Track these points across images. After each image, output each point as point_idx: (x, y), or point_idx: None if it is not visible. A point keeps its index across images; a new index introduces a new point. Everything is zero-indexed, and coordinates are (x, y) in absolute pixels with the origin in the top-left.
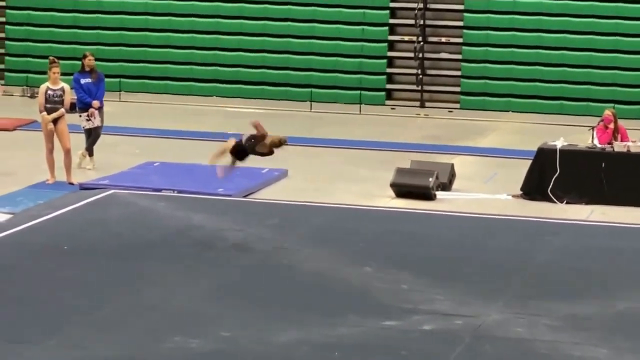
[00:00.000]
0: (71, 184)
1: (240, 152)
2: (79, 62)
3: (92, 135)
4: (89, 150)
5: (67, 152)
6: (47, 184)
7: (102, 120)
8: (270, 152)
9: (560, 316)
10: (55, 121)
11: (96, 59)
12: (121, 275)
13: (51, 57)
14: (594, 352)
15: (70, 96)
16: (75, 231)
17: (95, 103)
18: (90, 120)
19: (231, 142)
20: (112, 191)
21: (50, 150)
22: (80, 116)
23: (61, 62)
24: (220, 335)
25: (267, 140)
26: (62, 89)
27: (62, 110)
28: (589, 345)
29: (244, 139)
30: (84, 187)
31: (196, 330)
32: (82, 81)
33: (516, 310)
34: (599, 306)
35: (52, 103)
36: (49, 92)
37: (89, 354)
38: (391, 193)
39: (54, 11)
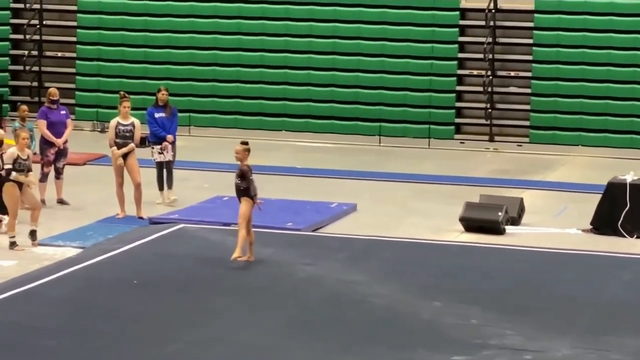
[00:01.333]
0: (141, 218)
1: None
2: (150, 97)
3: (165, 170)
4: (169, 184)
5: (138, 186)
6: (117, 219)
7: (174, 155)
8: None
9: (630, 351)
10: (125, 156)
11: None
12: (189, 310)
13: (122, 92)
14: None
15: (140, 131)
16: (145, 265)
17: (170, 137)
18: (162, 153)
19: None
20: (182, 225)
21: (120, 185)
22: (153, 149)
23: (131, 96)
24: None
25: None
26: (133, 124)
27: (132, 145)
28: None
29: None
30: (153, 222)
31: None
32: (156, 115)
33: (586, 345)
34: None
35: (122, 138)
36: (120, 127)
37: None
38: (460, 227)
39: (125, 46)
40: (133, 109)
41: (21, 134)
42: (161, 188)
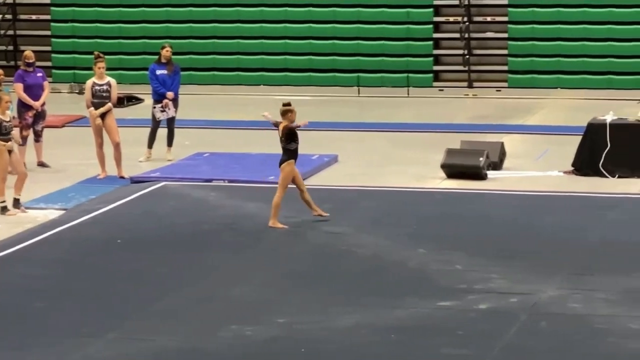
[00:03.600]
0: (122, 177)
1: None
2: (125, 57)
3: (167, 128)
4: (169, 142)
5: (117, 146)
6: (98, 179)
7: (175, 112)
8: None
9: (617, 290)
10: (103, 116)
11: (143, 53)
12: (177, 267)
13: (96, 52)
14: None
15: (116, 90)
16: (129, 224)
17: (170, 94)
18: (165, 111)
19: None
20: (164, 183)
21: (100, 145)
22: (155, 107)
23: (107, 57)
24: (277, 322)
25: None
26: (109, 84)
27: (110, 104)
28: None
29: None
30: (135, 181)
31: (253, 318)
32: (158, 72)
33: (572, 286)
34: None
35: (99, 98)
36: (95, 87)
37: (150, 345)
38: (442, 174)
39: (99, 7)
40: (109, 69)
41: (4, 97)
42: (150, 146)
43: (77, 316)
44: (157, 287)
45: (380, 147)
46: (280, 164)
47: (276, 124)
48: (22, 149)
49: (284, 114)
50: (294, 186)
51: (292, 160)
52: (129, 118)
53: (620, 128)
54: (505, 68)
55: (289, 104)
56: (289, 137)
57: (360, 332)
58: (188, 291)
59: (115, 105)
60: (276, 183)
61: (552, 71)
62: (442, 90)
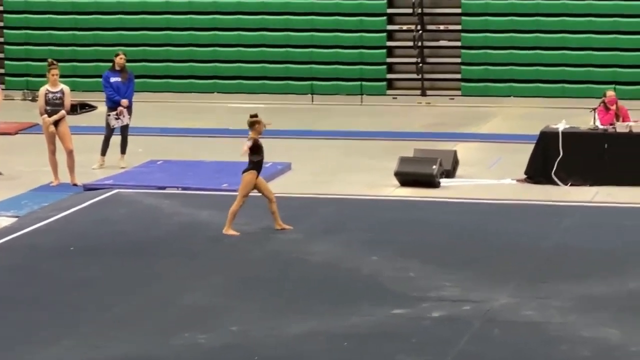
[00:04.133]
0: (75, 185)
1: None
2: (79, 64)
3: (121, 135)
4: (123, 150)
5: (70, 154)
6: (51, 186)
7: (129, 119)
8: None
9: (570, 297)
10: (56, 123)
11: (96, 60)
12: (130, 274)
13: (49, 60)
14: (605, 333)
15: (70, 98)
16: (82, 232)
17: (124, 102)
18: (119, 118)
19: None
20: (117, 191)
21: (53, 152)
22: (109, 115)
23: (60, 64)
24: (230, 329)
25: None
26: (62, 91)
27: (63, 112)
28: (600, 325)
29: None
30: (88, 188)
31: (206, 326)
32: (112, 79)
33: (526, 293)
34: (609, 286)
35: (52, 105)
36: (49, 94)
37: (102, 352)
38: (395, 182)
39: (53, 14)
40: (62, 76)
41: None
42: (103, 153)
43: (29, 323)
44: (110, 294)
45: (333, 155)
46: (243, 172)
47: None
48: None
49: (251, 125)
50: (260, 194)
51: (254, 171)
52: (83, 125)
53: (573, 136)
54: (458, 76)
55: (256, 115)
56: (253, 150)
57: (314, 340)
58: (141, 298)
59: (68, 113)
60: (230, 190)
61: (505, 80)
62: (395, 98)
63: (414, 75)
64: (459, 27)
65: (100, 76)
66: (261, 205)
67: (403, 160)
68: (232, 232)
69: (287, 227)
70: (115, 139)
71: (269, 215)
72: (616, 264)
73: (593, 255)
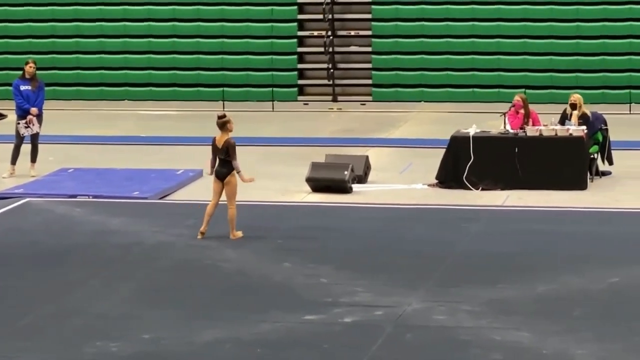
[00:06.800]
0: None
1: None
2: None
3: (31, 144)
4: (33, 158)
5: None
6: None
7: (39, 128)
8: None
9: (481, 302)
10: None
11: (5, 68)
12: (40, 283)
13: None
14: (515, 336)
15: None
16: None
17: (34, 110)
18: (29, 127)
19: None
20: (27, 199)
21: None
22: (19, 123)
23: None
24: (142, 337)
25: None
26: None
27: None
28: (510, 329)
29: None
30: None
31: (117, 334)
32: (22, 88)
33: (437, 298)
34: (519, 290)
35: None
36: None
37: None
38: (307, 188)
39: None
40: None
41: None
42: (13, 162)
43: None
44: (21, 303)
45: (245, 162)
46: (223, 176)
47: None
48: None
49: (222, 125)
50: (157, 200)
51: (234, 174)
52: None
53: (484, 141)
54: (369, 82)
55: (224, 116)
56: (231, 151)
57: (226, 347)
58: (52, 307)
59: None
60: (140, 198)
61: (416, 85)
62: (307, 104)
63: (325, 81)
64: (369, 33)
65: (9, 84)
66: (173, 212)
67: (315, 166)
68: (238, 233)
69: (238, 234)
70: (26, 148)
71: (181, 222)
72: (525, 267)
73: (503, 260)
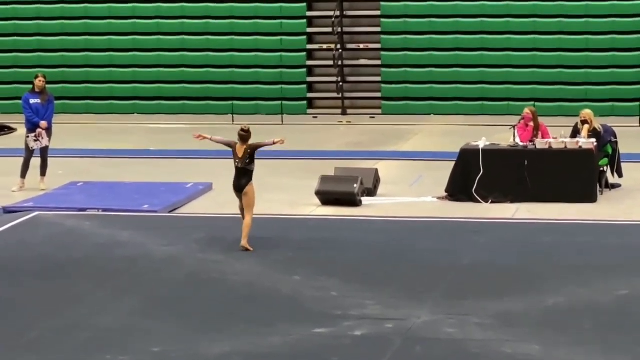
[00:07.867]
0: None
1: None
2: None
3: (40, 157)
4: (43, 172)
5: None
6: None
7: (49, 141)
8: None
9: (490, 314)
10: None
11: (15, 82)
12: (49, 296)
13: None
14: (525, 349)
15: None
16: (1, 254)
17: (43, 124)
18: (38, 140)
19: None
20: (37, 213)
21: None
22: (28, 137)
23: None
24: (151, 350)
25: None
26: None
27: None
28: (519, 341)
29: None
30: (8, 211)
31: (126, 347)
32: (32, 101)
33: (446, 310)
34: (528, 302)
35: None
36: None
37: None
38: (316, 201)
39: None
40: None
41: None
42: (23, 175)
43: None
44: (30, 316)
45: (255, 175)
46: (241, 187)
47: (229, 145)
48: None
49: (246, 139)
50: (166, 214)
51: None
52: (2, 148)
53: (493, 154)
54: (378, 95)
55: (249, 130)
56: (253, 158)
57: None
58: (61, 320)
59: None
60: (150, 212)
61: (425, 98)
62: (316, 117)
63: (335, 94)
64: (378, 46)
65: (19, 98)
66: (180, 226)
67: (324, 179)
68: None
69: (249, 247)
70: (35, 161)
71: (190, 236)
72: (534, 280)
73: (512, 272)
